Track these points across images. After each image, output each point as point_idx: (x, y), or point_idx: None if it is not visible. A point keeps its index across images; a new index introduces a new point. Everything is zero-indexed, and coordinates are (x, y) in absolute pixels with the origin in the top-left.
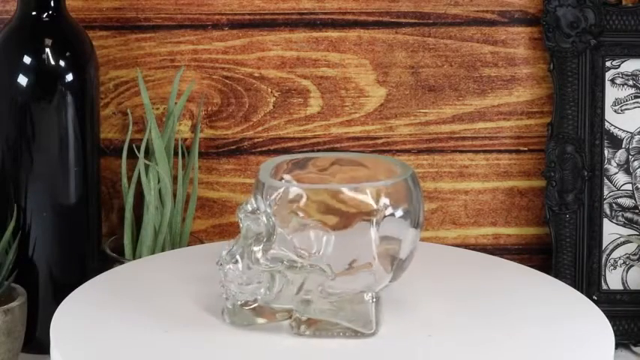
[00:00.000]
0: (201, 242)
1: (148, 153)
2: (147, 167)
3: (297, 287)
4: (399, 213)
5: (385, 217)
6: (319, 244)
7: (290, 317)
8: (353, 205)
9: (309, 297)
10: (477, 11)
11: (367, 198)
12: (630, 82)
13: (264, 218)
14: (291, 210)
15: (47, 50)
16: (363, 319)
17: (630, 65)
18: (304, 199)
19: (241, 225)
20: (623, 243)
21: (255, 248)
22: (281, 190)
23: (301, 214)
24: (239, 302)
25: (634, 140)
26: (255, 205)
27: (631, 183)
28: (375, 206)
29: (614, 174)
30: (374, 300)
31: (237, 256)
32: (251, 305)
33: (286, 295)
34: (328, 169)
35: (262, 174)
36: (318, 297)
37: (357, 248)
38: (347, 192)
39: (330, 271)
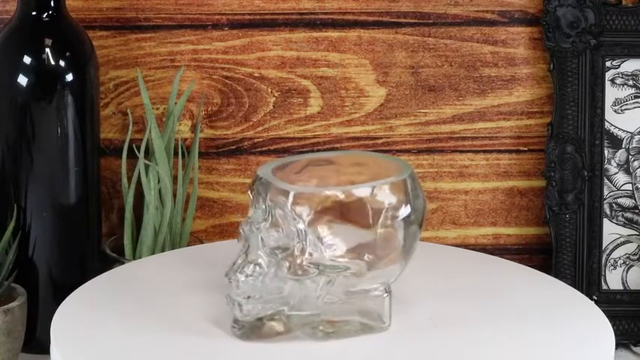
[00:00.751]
0: (201, 242)
1: (148, 153)
2: (147, 167)
3: (324, 291)
4: (408, 208)
5: (397, 211)
6: (346, 245)
7: (306, 324)
8: (372, 204)
9: (332, 299)
10: (477, 11)
11: (384, 196)
12: (630, 82)
13: (299, 225)
14: (323, 215)
15: (47, 50)
16: (377, 314)
17: (630, 65)
18: (332, 202)
19: (259, 237)
20: (623, 243)
21: (282, 257)
22: (314, 195)
23: (332, 218)
24: (258, 316)
25: (634, 140)
26: (265, 216)
27: (631, 183)
28: (390, 203)
29: (614, 174)
30: (387, 293)
31: (263, 268)
32: (270, 318)
33: (308, 301)
34: (302, 171)
35: (280, 183)
36: (340, 297)
37: (378, 245)
38: (364, 190)
39: (359, 270)
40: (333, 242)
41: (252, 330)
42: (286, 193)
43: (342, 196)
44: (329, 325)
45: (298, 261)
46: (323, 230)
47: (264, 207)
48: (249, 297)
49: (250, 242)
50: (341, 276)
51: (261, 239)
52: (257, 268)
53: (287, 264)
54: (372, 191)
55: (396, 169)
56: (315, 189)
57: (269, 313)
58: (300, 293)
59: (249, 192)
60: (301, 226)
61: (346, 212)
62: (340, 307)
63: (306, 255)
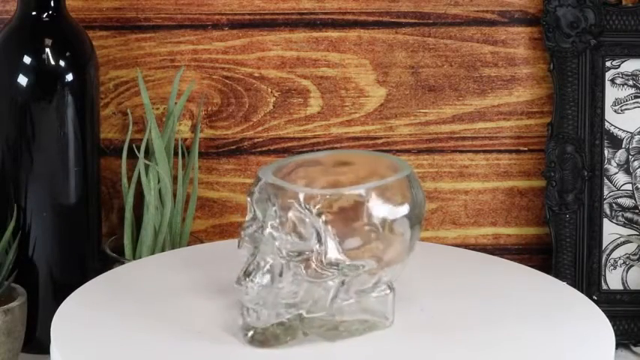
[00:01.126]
0: (201, 242)
1: (148, 153)
2: (147, 167)
3: (339, 291)
4: (412, 204)
5: (403, 209)
6: (358, 244)
7: (322, 326)
8: (378, 202)
9: (346, 298)
10: (477, 11)
11: (390, 194)
12: (630, 82)
13: (318, 227)
14: (336, 215)
15: (47, 50)
16: (381, 311)
17: (630, 65)
18: (343, 202)
19: (273, 241)
20: (623, 243)
21: (298, 260)
22: (327, 196)
23: (343, 218)
24: (273, 321)
25: (634, 140)
26: (276, 220)
27: (631, 183)
28: (396, 201)
29: (614, 174)
30: (390, 290)
31: (277, 272)
32: (281, 323)
33: (322, 303)
34: (291, 173)
35: (293, 186)
36: (352, 297)
37: (386, 243)
38: (371, 190)
39: (371, 269)
40: (348, 242)
41: (266, 335)
42: (301, 195)
43: (351, 196)
44: (343, 325)
45: (316, 263)
46: (338, 230)
47: (274, 210)
48: (263, 303)
49: (260, 247)
50: (355, 275)
51: (276, 243)
52: (271, 273)
53: (304, 267)
54: (379, 190)
55: (390, 166)
56: (328, 190)
57: (285, 318)
58: (315, 296)
59: (248, 197)
60: (320, 227)
61: (355, 212)
62: (349, 307)
63: (327, 256)
